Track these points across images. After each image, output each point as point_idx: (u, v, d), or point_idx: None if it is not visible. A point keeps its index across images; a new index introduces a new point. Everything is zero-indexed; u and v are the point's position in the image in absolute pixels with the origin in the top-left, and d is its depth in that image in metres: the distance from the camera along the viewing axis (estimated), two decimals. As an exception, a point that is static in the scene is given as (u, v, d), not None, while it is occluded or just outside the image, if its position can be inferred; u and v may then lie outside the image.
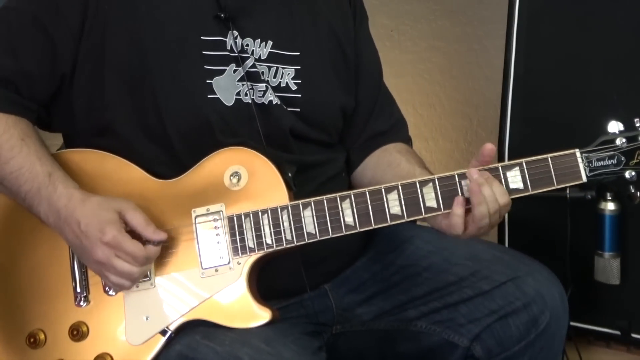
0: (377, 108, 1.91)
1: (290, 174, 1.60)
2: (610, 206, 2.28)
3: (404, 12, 3.10)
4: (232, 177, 1.61)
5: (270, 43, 1.72)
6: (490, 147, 1.60)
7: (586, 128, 2.16)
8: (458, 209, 1.56)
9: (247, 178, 1.61)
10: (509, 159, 2.45)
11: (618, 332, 2.42)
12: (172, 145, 1.65)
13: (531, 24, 2.38)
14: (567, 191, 2.25)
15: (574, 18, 2.34)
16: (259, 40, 1.71)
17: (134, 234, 1.55)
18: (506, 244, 2.45)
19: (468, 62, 3.06)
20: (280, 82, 1.73)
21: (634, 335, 2.40)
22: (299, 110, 1.74)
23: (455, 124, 3.09)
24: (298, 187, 1.62)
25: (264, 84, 1.71)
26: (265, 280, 1.63)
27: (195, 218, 1.60)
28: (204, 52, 1.66)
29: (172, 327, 1.58)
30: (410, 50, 3.09)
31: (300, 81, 1.75)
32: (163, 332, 1.58)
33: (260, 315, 1.57)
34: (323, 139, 1.80)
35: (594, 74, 2.31)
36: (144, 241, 1.55)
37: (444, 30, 3.07)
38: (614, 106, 2.24)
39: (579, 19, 2.33)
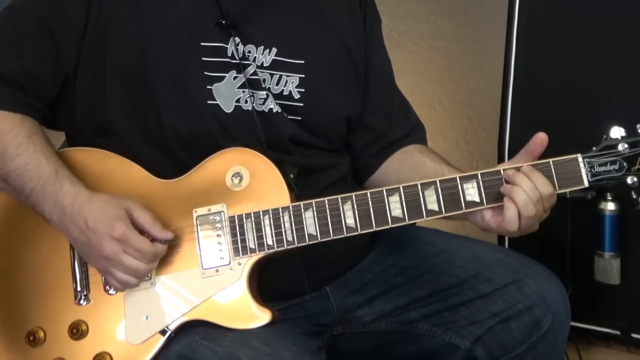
0: (395, 115, 1.89)
1: (292, 175, 1.60)
2: (610, 206, 2.28)
3: (404, 12, 3.09)
4: (233, 178, 1.61)
5: (274, 50, 1.71)
6: (542, 137, 1.57)
7: (586, 128, 2.17)
8: (510, 203, 1.53)
9: (249, 179, 1.61)
10: (509, 159, 2.46)
11: (618, 332, 2.42)
12: (172, 149, 1.66)
13: (531, 24, 2.38)
14: (568, 191, 2.25)
15: (574, 18, 2.33)
16: (262, 47, 1.70)
17: (140, 232, 1.55)
18: (506, 244, 2.44)
19: (468, 62, 3.05)
20: (283, 90, 1.72)
21: (634, 335, 2.40)
22: (300, 119, 1.73)
23: (455, 124, 3.08)
24: (301, 191, 1.61)
25: (264, 92, 1.70)
26: (266, 282, 1.63)
27: (196, 218, 1.60)
28: (203, 59, 1.66)
29: (172, 327, 1.58)
30: (410, 50, 3.08)
31: (304, 90, 1.73)
32: (163, 332, 1.58)
33: (260, 316, 1.57)
34: (325, 145, 1.79)
35: (594, 74, 2.31)
36: (150, 239, 1.56)
37: (444, 30, 3.07)
38: (614, 106, 2.25)
39: (579, 18, 2.32)
